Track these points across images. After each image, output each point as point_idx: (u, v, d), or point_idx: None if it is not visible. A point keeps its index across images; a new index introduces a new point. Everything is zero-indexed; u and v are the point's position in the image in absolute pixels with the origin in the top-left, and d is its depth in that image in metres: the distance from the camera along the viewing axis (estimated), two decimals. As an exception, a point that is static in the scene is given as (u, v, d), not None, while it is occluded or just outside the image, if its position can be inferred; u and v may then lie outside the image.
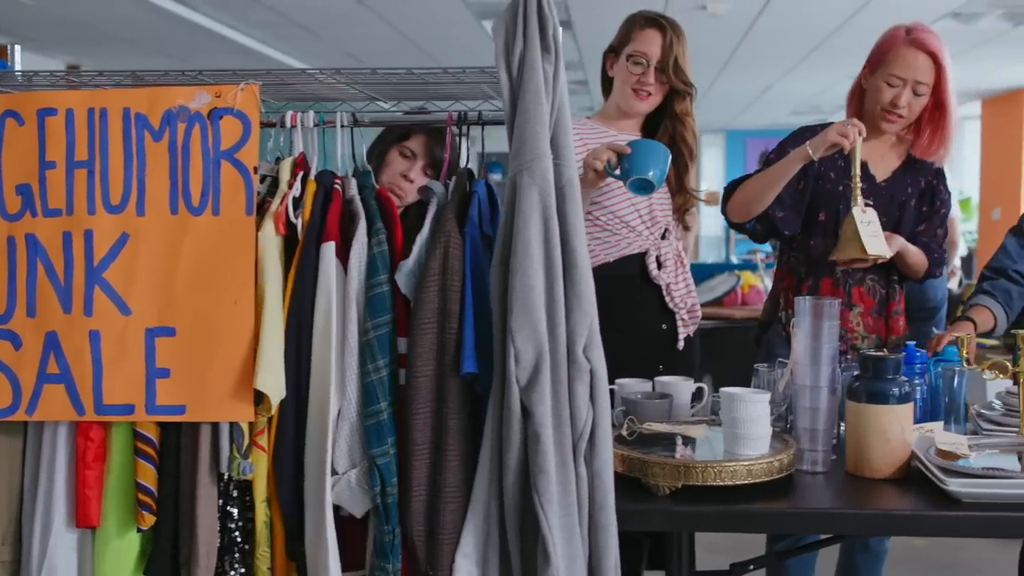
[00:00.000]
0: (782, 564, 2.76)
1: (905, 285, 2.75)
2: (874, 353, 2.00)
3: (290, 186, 1.83)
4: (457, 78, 1.77)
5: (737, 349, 3.65)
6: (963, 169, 12.25)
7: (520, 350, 1.64)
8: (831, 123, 2.70)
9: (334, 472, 1.69)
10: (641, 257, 2.54)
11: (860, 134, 2.39)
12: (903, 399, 1.97)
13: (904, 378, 2.00)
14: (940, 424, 2.15)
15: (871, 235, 2.38)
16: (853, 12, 6.44)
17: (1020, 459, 2.05)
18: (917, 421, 2.16)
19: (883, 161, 2.66)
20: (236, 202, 1.78)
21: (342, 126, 1.91)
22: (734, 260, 8.14)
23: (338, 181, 1.85)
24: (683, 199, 2.65)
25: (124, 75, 1.93)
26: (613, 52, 2.63)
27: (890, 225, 2.63)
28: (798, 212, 2.60)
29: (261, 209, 1.83)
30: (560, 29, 1.71)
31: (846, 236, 2.40)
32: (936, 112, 2.58)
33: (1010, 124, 10.00)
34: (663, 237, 2.58)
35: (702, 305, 5.42)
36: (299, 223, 1.76)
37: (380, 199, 1.76)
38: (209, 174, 1.79)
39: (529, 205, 1.65)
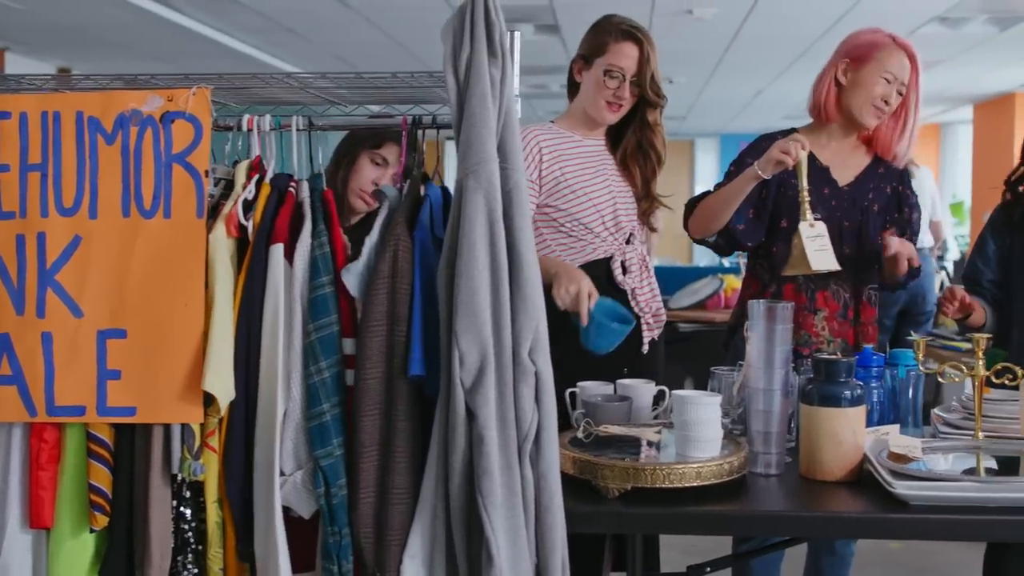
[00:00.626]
0: (747, 565, 2.77)
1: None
2: (826, 356, 2.01)
3: (244, 188, 1.85)
4: (406, 82, 1.79)
5: (720, 352, 3.68)
6: (956, 172, 12.28)
7: (464, 352, 1.65)
8: (792, 129, 2.73)
9: (282, 473, 1.70)
10: (606, 262, 2.55)
11: (804, 148, 2.40)
12: (855, 402, 1.98)
13: (857, 381, 2.01)
14: (897, 427, 2.16)
15: (817, 250, 2.40)
16: (838, 17, 6.46)
17: (977, 461, 2.06)
18: (874, 424, 2.18)
19: (846, 166, 2.68)
20: (187, 205, 1.79)
21: (298, 130, 1.93)
22: (726, 264, 8.15)
23: (294, 184, 1.87)
24: (648, 204, 2.66)
25: (111, 78, 1.94)
26: (584, 59, 2.61)
27: (853, 231, 2.64)
28: (760, 222, 2.62)
29: (216, 212, 1.85)
30: (507, 34, 1.73)
31: (796, 252, 2.42)
32: (904, 115, 2.63)
33: (1002, 128, 10.02)
34: (628, 242, 2.59)
35: (686, 308, 5.47)
36: (250, 225, 1.77)
37: (324, 201, 1.77)
38: (161, 177, 1.80)
39: (474, 209, 1.67)
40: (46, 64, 8.16)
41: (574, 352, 2.34)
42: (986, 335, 2.17)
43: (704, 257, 11.61)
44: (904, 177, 2.72)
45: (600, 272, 2.53)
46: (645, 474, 1.84)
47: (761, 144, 2.64)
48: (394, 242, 1.71)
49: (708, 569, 2.18)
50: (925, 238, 5.05)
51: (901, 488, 1.82)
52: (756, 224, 2.62)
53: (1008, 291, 2.66)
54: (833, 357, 2.01)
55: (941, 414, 2.33)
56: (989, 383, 2.17)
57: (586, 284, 2.30)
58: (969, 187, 11.11)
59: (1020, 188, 2.68)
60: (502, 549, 1.64)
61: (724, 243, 2.65)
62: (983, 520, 1.80)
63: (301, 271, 1.71)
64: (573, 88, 2.67)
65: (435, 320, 1.72)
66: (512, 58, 2.12)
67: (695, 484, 1.85)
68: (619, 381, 2.30)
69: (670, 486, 1.84)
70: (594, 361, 2.36)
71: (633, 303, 2.55)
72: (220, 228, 1.79)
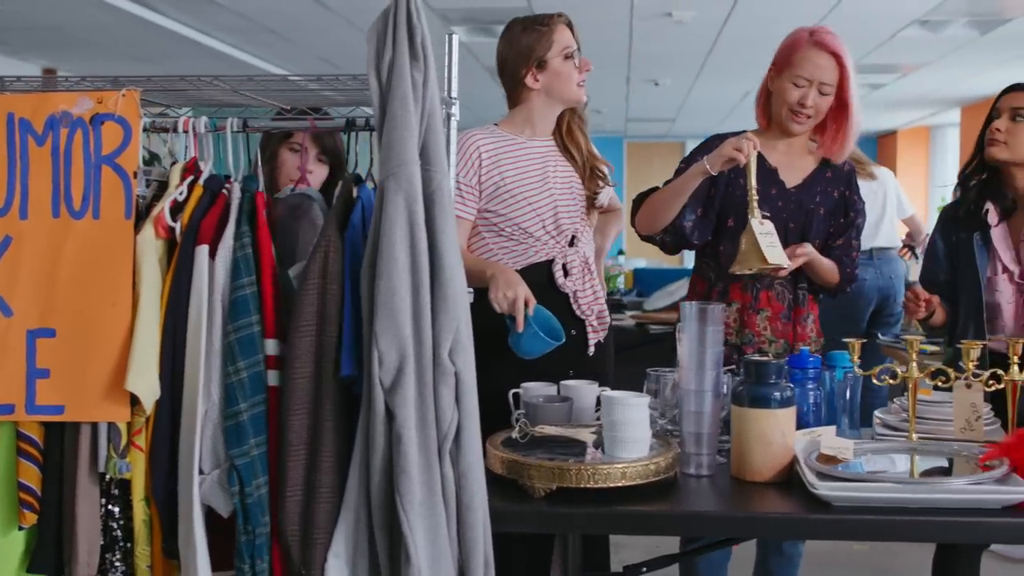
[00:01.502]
0: (693, 566, 2.79)
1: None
2: (757, 358, 2.03)
3: (176, 190, 1.86)
4: (331, 85, 1.80)
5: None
6: (945, 174, 12.29)
7: (383, 353, 1.66)
8: (743, 131, 2.74)
9: (201, 472, 1.71)
10: (548, 265, 2.55)
11: (755, 148, 2.42)
12: (784, 403, 1.99)
13: (787, 383, 2.03)
14: (833, 429, 2.17)
15: (769, 245, 2.41)
16: (818, 20, 6.47)
17: (911, 463, 2.08)
18: (812, 425, 2.19)
19: (794, 168, 2.69)
20: (116, 206, 1.81)
21: (233, 131, 1.95)
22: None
23: (229, 185, 1.89)
24: (593, 181, 2.66)
25: (106, 80, 1.95)
26: (539, 65, 2.56)
27: (797, 232, 2.66)
28: (708, 220, 2.63)
29: (149, 213, 1.86)
30: (428, 37, 1.74)
31: (746, 247, 2.42)
32: (839, 112, 2.63)
33: (988, 131, 10.02)
34: (571, 244, 2.59)
35: (661, 310, 5.47)
36: (177, 227, 1.79)
37: (252, 202, 1.79)
38: (90, 178, 1.82)
39: (394, 210, 1.68)
40: (30, 65, 8.18)
41: (517, 355, 2.36)
42: (919, 337, 2.19)
43: (691, 258, 11.59)
44: (851, 182, 2.74)
45: (542, 275, 2.54)
46: (570, 474, 1.86)
47: (712, 143, 2.65)
48: (325, 244, 1.73)
49: (644, 569, 2.19)
50: (894, 239, 5.04)
51: (824, 489, 1.84)
52: (704, 222, 2.63)
53: (955, 288, 2.68)
54: (763, 359, 2.02)
55: (881, 416, 2.35)
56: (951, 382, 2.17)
57: (523, 290, 2.32)
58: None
59: (971, 183, 2.66)
60: (420, 547, 1.65)
61: (671, 241, 2.66)
62: (905, 521, 1.81)
63: (222, 272, 1.73)
64: (515, 94, 2.64)
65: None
66: (450, 60, 2.16)
67: (620, 484, 1.86)
68: (562, 383, 2.31)
69: (594, 486, 1.85)
70: (541, 363, 2.37)
71: (575, 306, 2.56)
72: (148, 229, 1.81)
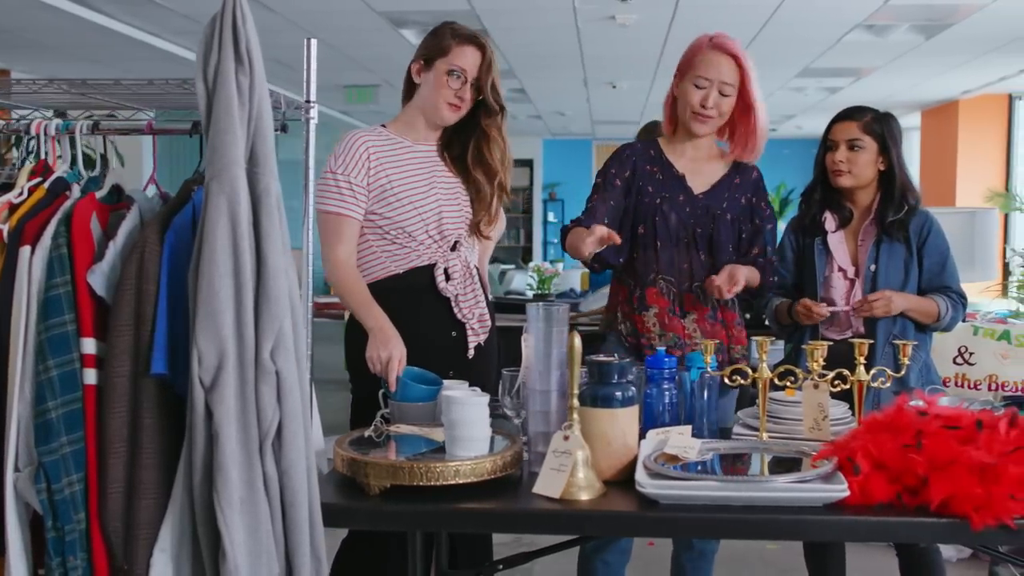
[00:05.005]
0: (591, 567, 2.82)
1: None
2: (600, 359, 2.06)
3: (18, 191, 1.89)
4: (162, 89, 1.83)
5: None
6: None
7: (203, 352, 1.69)
8: (650, 135, 2.82)
9: (18, 469, 1.74)
10: (430, 269, 2.58)
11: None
12: (625, 403, 2.03)
13: (630, 383, 2.06)
14: (689, 428, 2.20)
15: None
16: (760, 23, 6.53)
17: (761, 461, 2.11)
18: (669, 425, 2.23)
19: (702, 174, 2.76)
20: (-49, 208, 1.83)
21: (81, 133, 1.98)
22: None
23: (74, 188, 1.91)
24: (487, 214, 2.67)
25: (75, 83, 1.98)
26: (424, 61, 2.61)
27: (705, 237, 2.72)
28: (626, 239, 2.69)
29: (-7, 215, 1.88)
30: (254, 43, 1.77)
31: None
32: (743, 114, 2.71)
33: (947, 134, 10.14)
34: (453, 249, 2.62)
35: (596, 311, 5.50)
36: (6, 228, 1.81)
37: (77, 205, 1.81)
38: (-74, 180, 1.84)
39: (216, 212, 1.71)
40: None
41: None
42: (768, 338, 2.22)
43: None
44: (759, 188, 2.82)
45: (423, 279, 2.57)
46: (404, 472, 1.89)
47: (623, 152, 2.79)
48: (141, 245, 1.75)
49: (500, 567, 2.22)
50: None
51: (650, 488, 1.87)
52: (622, 246, 2.66)
53: (801, 290, 2.89)
54: (607, 359, 2.05)
55: (742, 416, 2.38)
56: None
57: (396, 352, 2.36)
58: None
59: (814, 197, 2.92)
60: (237, 544, 1.68)
61: (598, 265, 2.75)
62: (729, 518, 1.85)
63: (38, 272, 1.75)
64: (409, 91, 2.69)
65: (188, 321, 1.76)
66: (308, 65, 2.18)
67: (455, 482, 1.89)
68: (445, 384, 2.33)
69: (427, 484, 1.88)
70: (421, 366, 2.40)
71: (456, 309, 2.59)
72: (-22, 230, 1.83)
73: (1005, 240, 8.86)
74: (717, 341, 2.61)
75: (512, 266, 11.28)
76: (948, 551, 3.76)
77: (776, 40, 7.03)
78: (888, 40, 7.10)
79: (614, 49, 7.41)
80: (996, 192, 8.37)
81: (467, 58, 2.58)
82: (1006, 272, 7.57)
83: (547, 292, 5.69)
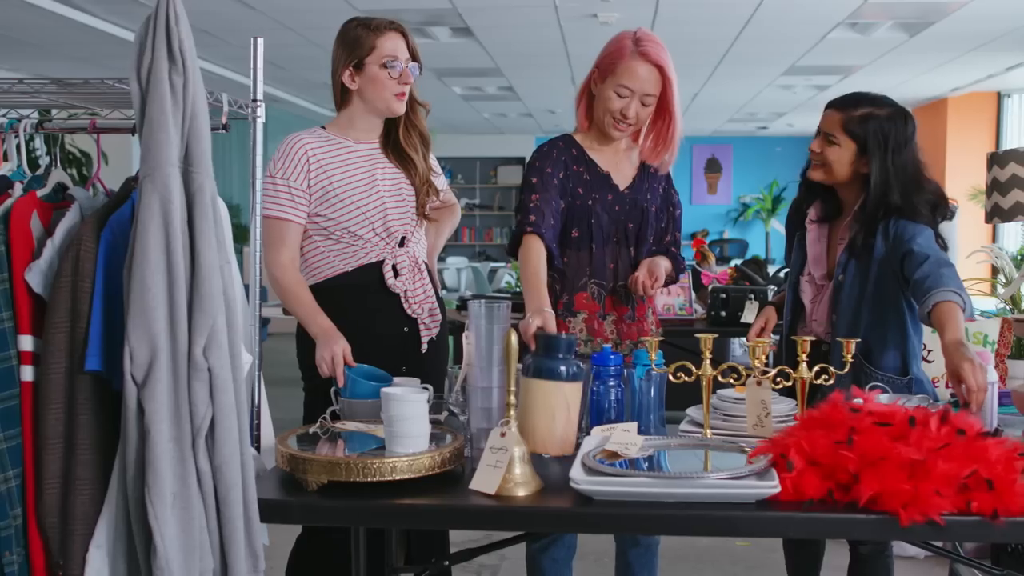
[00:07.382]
0: (537, 565, 2.83)
1: None
2: (548, 333, 2.07)
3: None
4: (99, 89, 1.84)
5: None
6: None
7: (134, 349, 1.71)
8: (567, 134, 2.81)
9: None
10: (378, 266, 2.59)
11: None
12: (571, 378, 2.04)
13: (575, 360, 2.07)
14: (635, 425, 2.21)
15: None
16: (742, 22, 6.54)
17: (704, 457, 2.12)
18: (611, 421, 2.24)
19: (622, 170, 2.75)
20: None
21: (26, 132, 2.00)
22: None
23: (16, 186, 1.93)
24: (427, 191, 2.67)
25: (45, 82, 1.98)
26: (354, 66, 2.56)
27: (635, 232, 2.72)
28: (560, 243, 2.69)
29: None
30: (188, 43, 1.79)
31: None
32: (661, 120, 2.69)
33: (936, 131, 10.15)
34: (401, 245, 2.63)
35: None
36: (-55, 228, 1.83)
37: (16, 203, 1.83)
38: None
39: (149, 211, 1.73)
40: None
41: (354, 352, 2.41)
42: (712, 335, 2.23)
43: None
44: (668, 176, 2.83)
45: (372, 276, 2.58)
46: (340, 468, 1.90)
47: (551, 152, 2.75)
48: (77, 242, 1.77)
49: (447, 563, 2.24)
50: None
51: (584, 484, 1.88)
52: (557, 249, 2.67)
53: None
54: (556, 334, 2.07)
55: (691, 413, 2.40)
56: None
57: (339, 349, 2.39)
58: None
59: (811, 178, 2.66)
60: (169, 539, 1.70)
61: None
62: (661, 515, 1.86)
63: (-22, 271, 1.77)
64: (343, 96, 2.64)
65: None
66: (255, 64, 2.19)
67: (392, 478, 1.91)
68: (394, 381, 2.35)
69: (364, 480, 1.90)
70: (374, 361, 2.41)
71: (406, 305, 2.60)
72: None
73: (993, 239, 8.87)
74: (628, 341, 2.65)
75: (503, 264, 11.30)
76: (913, 549, 3.77)
77: (759, 38, 7.04)
78: (872, 38, 7.12)
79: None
80: (979, 190, 8.37)
81: (393, 44, 2.56)
82: (994, 271, 7.57)
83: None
